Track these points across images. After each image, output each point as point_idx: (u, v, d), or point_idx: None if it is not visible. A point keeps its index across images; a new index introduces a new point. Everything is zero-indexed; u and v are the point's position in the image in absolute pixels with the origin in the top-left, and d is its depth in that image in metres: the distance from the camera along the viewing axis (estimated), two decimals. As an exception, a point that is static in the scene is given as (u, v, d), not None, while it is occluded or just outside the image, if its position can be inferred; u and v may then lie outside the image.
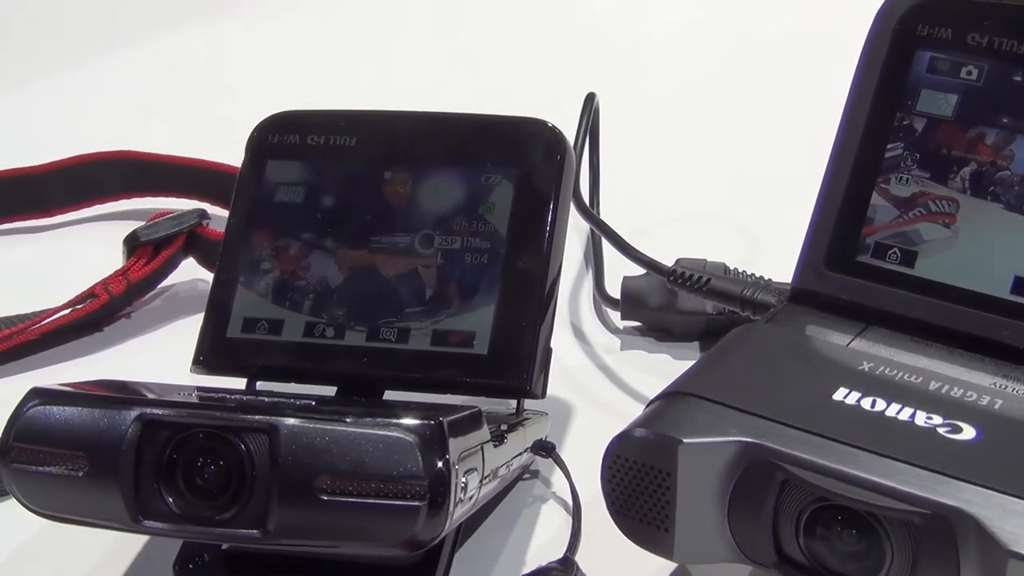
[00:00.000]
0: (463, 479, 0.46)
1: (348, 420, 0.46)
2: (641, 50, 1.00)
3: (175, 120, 0.91)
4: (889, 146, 0.54)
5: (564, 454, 0.57)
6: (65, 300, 0.68)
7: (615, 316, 0.68)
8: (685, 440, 0.46)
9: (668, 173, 0.81)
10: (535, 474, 0.58)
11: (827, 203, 0.55)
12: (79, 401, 0.48)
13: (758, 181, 0.79)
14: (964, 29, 0.53)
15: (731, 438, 0.46)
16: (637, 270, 0.66)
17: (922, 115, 0.54)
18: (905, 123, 0.54)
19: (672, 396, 0.48)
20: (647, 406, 0.48)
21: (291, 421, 0.46)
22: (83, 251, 0.77)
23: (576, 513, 0.55)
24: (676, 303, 0.65)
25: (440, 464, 0.45)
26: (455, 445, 0.46)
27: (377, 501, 0.44)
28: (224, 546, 0.53)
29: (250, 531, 0.46)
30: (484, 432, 0.49)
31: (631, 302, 0.66)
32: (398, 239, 0.58)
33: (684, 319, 0.65)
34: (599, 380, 0.65)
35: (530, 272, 0.56)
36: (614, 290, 0.68)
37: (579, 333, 0.68)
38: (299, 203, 0.59)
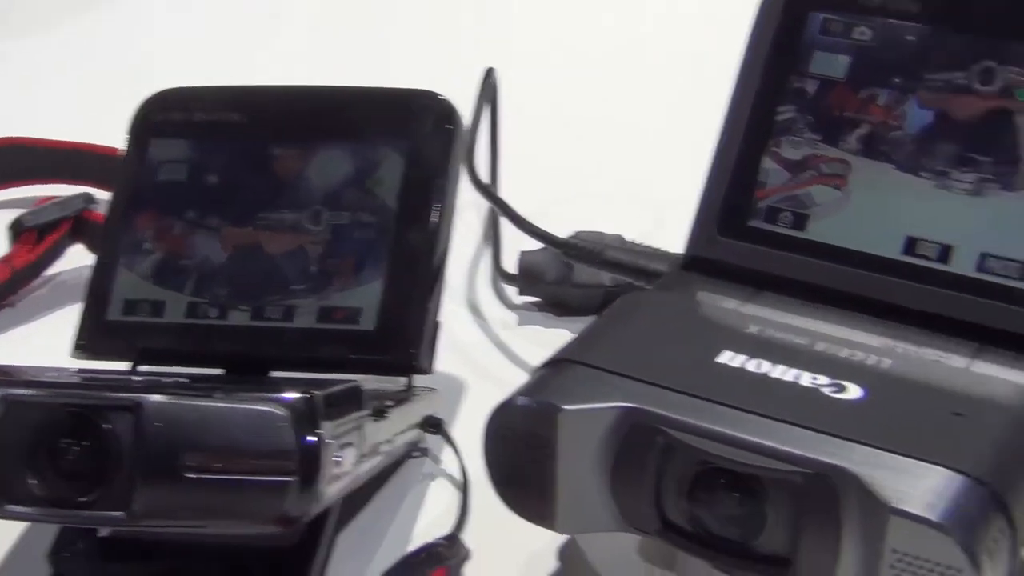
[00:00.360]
0: (337, 454, 0.45)
1: (217, 395, 0.44)
2: (539, 25, 0.99)
3: (60, 105, 0.88)
4: (781, 109, 0.53)
5: (457, 431, 0.56)
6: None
7: (513, 292, 0.67)
8: (565, 407, 0.44)
9: (570, 149, 0.80)
10: (424, 452, 0.57)
11: (719, 168, 0.54)
12: (-53, 385, 0.46)
13: (660, 155, 0.78)
14: (857, -11, 0.52)
15: (612, 403, 0.44)
16: (537, 246, 0.65)
17: (815, 77, 0.53)
18: (797, 85, 0.53)
19: (555, 364, 0.47)
20: (531, 374, 0.47)
21: (156, 397, 0.44)
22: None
23: (465, 489, 0.53)
24: (572, 276, 0.64)
25: (311, 438, 0.44)
26: (329, 419, 0.44)
27: (246, 477, 0.43)
28: (100, 533, 0.51)
29: (114, 513, 0.44)
30: (362, 407, 0.48)
31: (528, 277, 0.65)
32: (285, 216, 0.56)
33: (581, 292, 0.64)
34: (495, 356, 0.63)
35: (418, 246, 0.55)
36: (513, 267, 0.66)
37: (476, 310, 0.67)
38: (183, 182, 0.58)
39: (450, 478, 0.56)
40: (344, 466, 0.45)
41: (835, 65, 0.53)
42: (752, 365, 0.46)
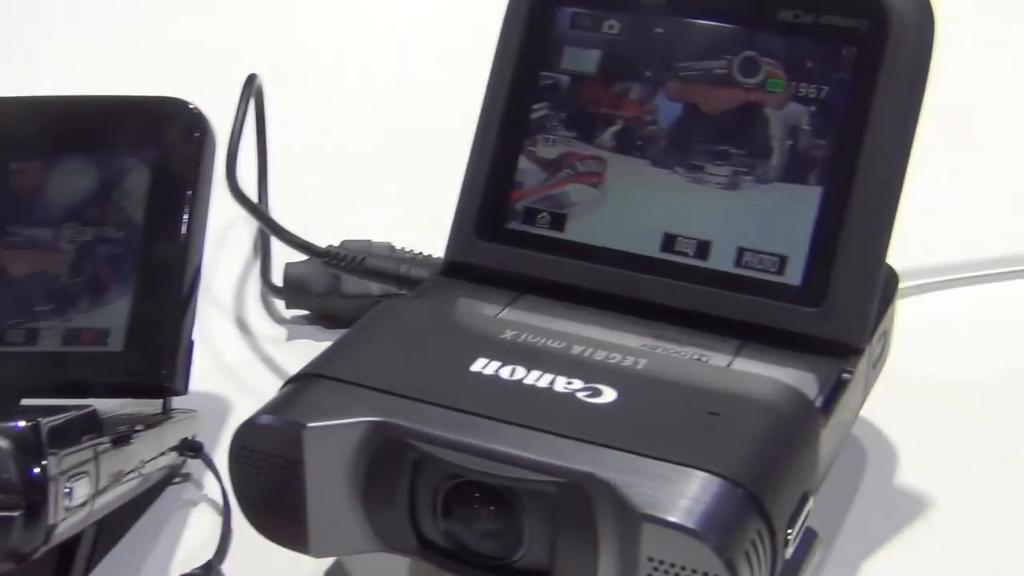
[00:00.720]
0: (68, 485, 0.42)
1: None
2: (305, 32, 0.97)
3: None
4: (535, 106, 0.52)
5: (220, 456, 0.53)
6: None
7: (282, 306, 0.65)
8: (309, 424, 0.43)
9: (342, 157, 0.78)
10: (186, 477, 0.54)
11: (475, 170, 0.52)
12: None
13: (433, 161, 0.76)
14: (604, -17, 0.51)
15: (358, 419, 0.43)
16: (302, 258, 0.63)
17: (567, 73, 0.52)
18: (550, 82, 0.52)
19: (302, 379, 0.45)
20: (278, 391, 0.45)
21: None
22: None
23: (227, 515, 0.51)
24: (341, 288, 0.62)
25: (36, 470, 0.41)
26: (57, 448, 0.42)
27: None
28: None
29: None
30: (100, 433, 0.45)
31: (294, 289, 0.63)
32: (27, 233, 0.54)
33: (350, 304, 0.62)
34: (263, 373, 0.61)
35: (167, 261, 0.52)
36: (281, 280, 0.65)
37: (243, 325, 0.65)
38: None
39: (213, 504, 0.53)
40: (77, 498, 0.43)
41: (586, 60, 0.52)
42: (506, 372, 0.45)
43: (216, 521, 0.52)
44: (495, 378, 0.44)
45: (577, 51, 0.52)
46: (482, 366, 0.45)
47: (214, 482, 0.53)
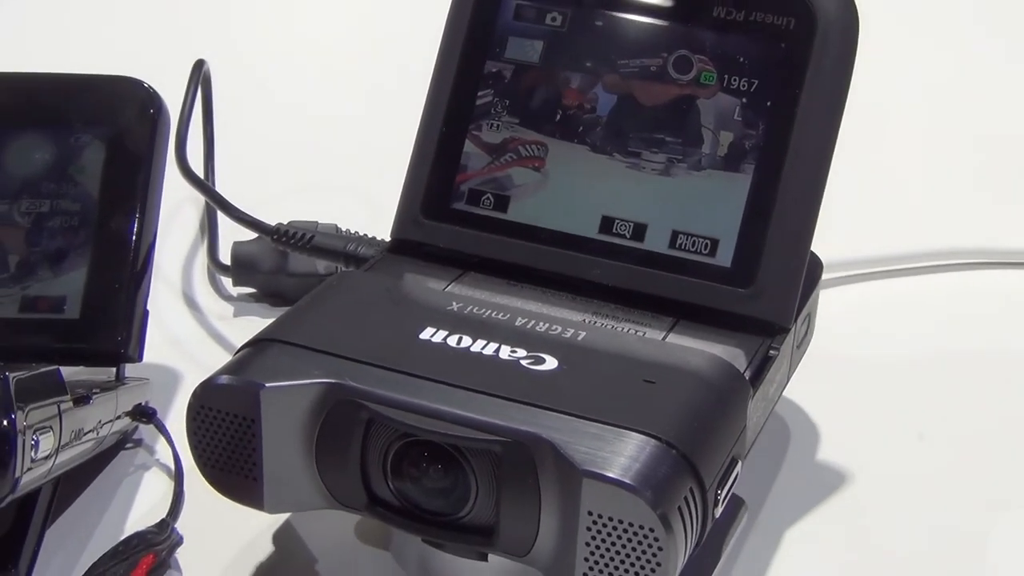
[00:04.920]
0: (33, 437, 0.44)
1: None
2: (251, 16, 0.98)
3: None
4: (480, 93, 0.54)
5: (171, 423, 0.55)
6: None
7: (228, 283, 0.67)
8: (267, 384, 0.45)
9: (287, 142, 0.80)
10: (138, 443, 0.56)
11: (421, 152, 0.55)
12: None
13: (376, 145, 0.78)
14: (547, -25, 0.54)
15: (313, 380, 0.45)
16: (251, 236, 0.65)
17: (510, 62, 0.54)
18: (494, 70, 0.54)
19: (257, 343, 0.47)
20: (233, 356, 0.47)
21: None
22: None
23: (179, 477, 0.53)
24: (287, 266, 0.64)
25: (3, 422, 0.43)
26: (25, 402, 0.44)
27: None
28: None
29: None
30: (62, 391, 0.47)
31: (241, 267, 0.65)
32: None
33: (296, 282, 0.64)
34: (210, 348, 0.63)
35: (123, 233, 0.54)
36: (228, 258, 0.66)
37: (191, 301, 0.66)
38: None
39: (165, 468, 0.55)
40: (41, 450, 0.45)
41: (529, 50, 0.54)
42: (453, 340, 0.47)
43: (167, 484, 0.54)
44: (443, 345, 0.47)
45: (521, 41, 0.54)
46: (430, 334, 0.47)
47: (164, 448, 0.55)
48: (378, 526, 0.51)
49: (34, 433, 0.44)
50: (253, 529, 0.51)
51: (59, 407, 0.46)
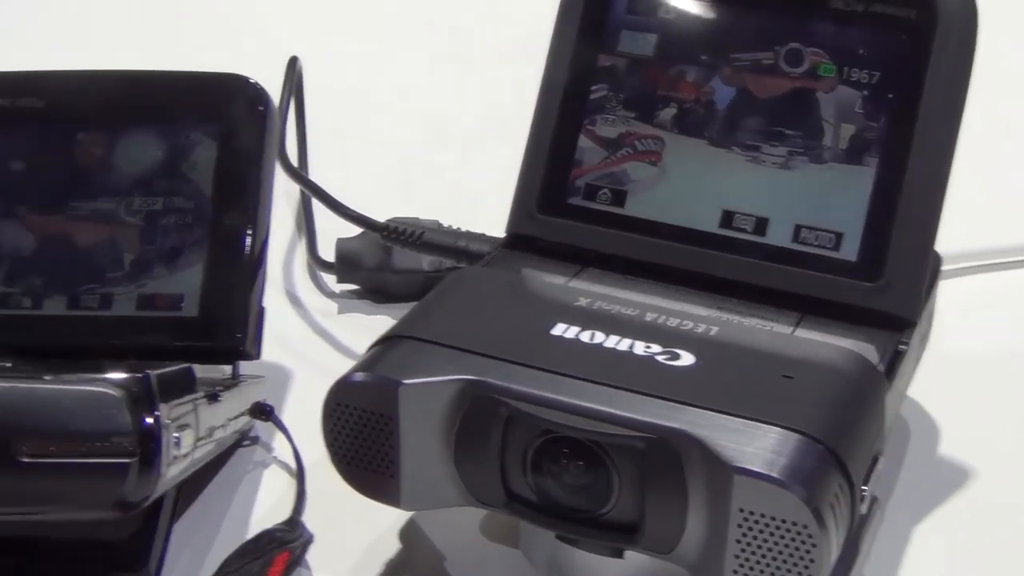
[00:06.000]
0: (175, 435, 0.44)
1: (46, 378, 0.43)
2: (344, 10, 0.98)
3: None
4: (594, 88, 0.54)
5: (285, 419, 0.55)
6: None
7: (330, 280, 0.67)
8: (405, 381, 0.45)
9: (379, 138, 0.79)
10: (255, 440, 0.56)
11: (535, 148, 0.54)
12: None
13: (470, 143, 0.78)
14: (661, -31, 0.54)
15: (452, 376, 0.45)
16: (352, 234, 0.65)
17: (624, 55, 0.54)
18: (608, 64, 0.54)
19: (389, 340, 0.47)
20: (365, 353, 0.47)
21: (-20, 380, 0.43)
22: None
23: (300, 474, 0.53)
24: (391, 263, 0.64)
25: (149, 419, 0.43)
26: (165, 399, 0.44)
27: (83, 460, 0.42)
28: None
29: None
30: (196, 388, 0.47)
31: (346, 264, 0.65)
32: (96, 203, 0.55)
33: (400, 278, 0.64)
34: (318, 345, 0.63)
35: (238, 230, 0.54)
36: (328, 255, 0.66)
37: (294, 299, 0.66)
38: None
39: (283, 465, 0.55)
40: (183, 447, 0.45)
41: (643, 43, 0.54)
42: (586, 336, 0.47)
43: (286, 481, 0.54)
44: (576, 341, 0.47)
45: (634, 35, 0.54)
46: (562, 330, 0.47)
47: (281, 444, 0.55)
48: (504, 523, 0.51)
49: (175, 430, 0.44)
50: (377, 526, 0.51)
51: (195, 404, 0.46)
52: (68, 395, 0.42)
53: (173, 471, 0.44)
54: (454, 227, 0.63)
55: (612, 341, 0.47)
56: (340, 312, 0.65)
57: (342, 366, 0.60)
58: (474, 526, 0.51)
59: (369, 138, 0.79)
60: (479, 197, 0.69)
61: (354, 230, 0.65)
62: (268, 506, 0.53)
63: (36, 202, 0.55)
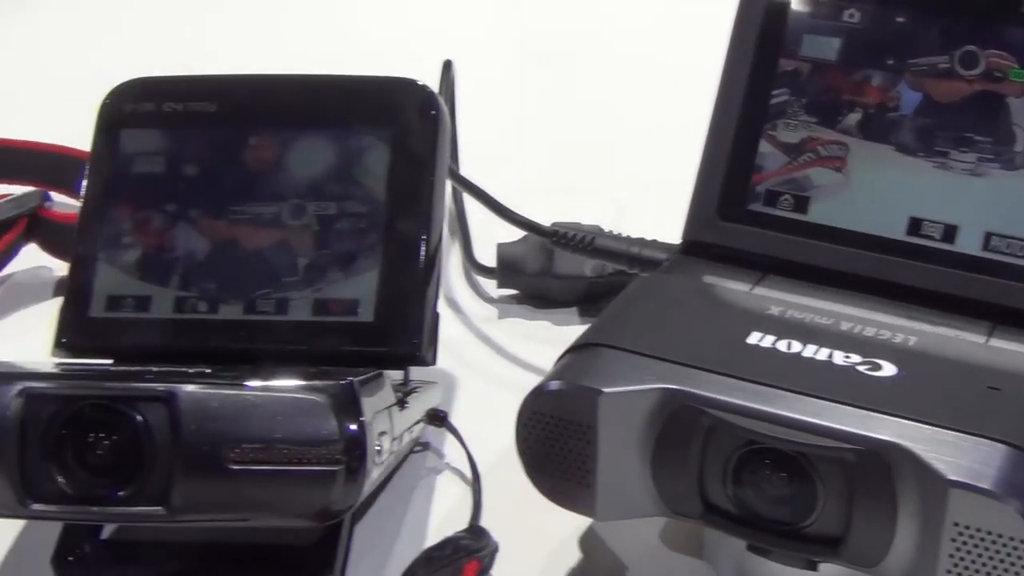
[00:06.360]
0: (377, 441, 0.44)
1: (251, 385, 0.43)
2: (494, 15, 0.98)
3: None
4: (774, 92, 0.53)
5: (457, 423, 0.55)
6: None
7: (487, 285, 0.66)
8: (605, 390, 0.44)
9: (525, 142, 0.79)
10: (425, 446, 0.56)
11: (714, 153, 0.54)
12: (-50, 379, 0.44)
13: (619, 147, 0.78)
14: (844, -29, 0.53)
15: (653, 385, 0.44)
16: (501, 238, 0.65)
17: (806, 60, 0.53)
18: (789, 69, 0.53)
19: (583, 348, 0.46)
20: (557, 361, 0.47)
21: (191, 388, 0.43)
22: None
23: (476, 481, 0.53)
24: (553, 268, 0.64)
25: (355, 426, 0.42)
26: (368, 405, 0.43)
27: (290, 468, 0.42)
28: (104, 535, 0.49)
29: (152, 508, 0.43)
30: (390, 394, 0.47)
31: (508, 269, 0.64)
32: (268, 207, 0.55)
33: (562, 283, 0.64)
34: (480, 350, 0.63)
35: (413, 235, 0.54)
36: (483, 259, 0.66)
37: (453, 304, 0.66)
38: (159, 173, 0.56)
39: (456, 471, 0.55)
40: (383, 454, 0.44)
41: (826, 48, 0.53)
42: (783, 345, 0.46)
43: (460, 487, 0.54)
44: (773, 351, 0.46)
45: (817, 39, 0.53)
46: (758, 339, 0.46)
47: (453, 450, 0.55)
48: (686, 532, 0.50)
49: (377, 436, 0.44)
50: (554, 535, 0.51)
51: (390, 411, 0.46)
52: (276, 402, 0.42)
53: (372, 478, 0.44)
54: (615, 231, 0.63)
55: (810, 351, 0.46)
56: (500, 317, 0.65)
57: (508, 372, 0.61)
58: (654, 535, 0.51)
59: (516, 142, 0.78)
60: (625, 203, 0.69)
61: (504, 235, 0.64)
62: (444, 512, 0.53)
63: (208, 206, 0.55)
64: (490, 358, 0.62)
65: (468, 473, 0.54)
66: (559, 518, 0.47)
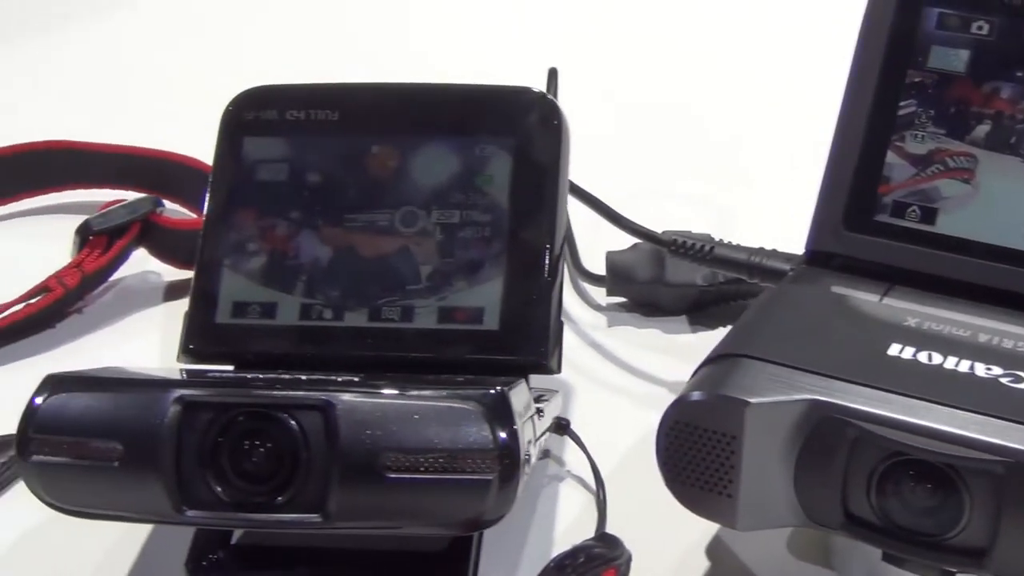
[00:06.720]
0: (526, 450, 0.44)
1: (404, 392, 0.43)
2: (599, 20, 0.98)
3: (106, 108, 0.86)
4: (902, 104, 0.53)
5: (577, 431, 0.55)
6: (13, 296, 0.64)
7: (595, 292, 0.66)
8: (752, 401, 0.44)
9: (627, 151, 0.79)
10: (546, 453, 0.56)
11: (840, 163, 0.54)
12: (107, 386, 0.44)
13: (721, 157, 0.78)
14: (974, -16, 0.53)
15: (799, 396, 0.44)
16: (609, 246, 0.65)
17: (934, 72, 0.53)
18: (917, 80, 0.53)
19: (723, 359, 0.47)
20: (694, 372, 0.47)
21: (346, 396, 0.43)
22: (19, 246, 0.72)
23: (601, 489, 0.53)
24: (664, 276, 0.64)
25: (507, 434, 0.43)
26: (517, 414, 0.44)
27: (445, 476, 0.42)
28: (235, 540, 0.50)
29: (309, 515, 0.43)
30: (531, 402, 0.47)
31: (618, 277, 0.65)
32: (390, 215, 0.55)
33: (673, 292, 0.64)
34: (592, 358, 0.63)
35: (537, 243, 0.54)
36: (593, 267, 0.66)
37: (563, 312, 0.66)
38: (283, 181, 0.56)
39: (577, 479, 0.55)
40: (531, 462, 0.45)
41: (954, 59, 0.53)
42: (923, 357, 0.46)
43: (582, 494, 0.54)
44: (915, 363, 0.46)
45: (945, 50, 0.53)
46: (898, 351, 0.46)
47: (575, 458, 0.55)
48: (812, 540, 0.50)
49: (526, 444, 0.44)
50: (680, 542, 0.51)
51: (532, 419, 0.46)
52: (430, 411, 0.43)
53: (520, 486, 0.44)
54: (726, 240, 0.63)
55: (951, 362, 0.46)
56: (610, 325, 0.65)
57: (622, 380, 0.61)
58: (779, 544, 0.51)
59: (617, 152, 0.79)
60: (725, 212, 0.69)
61: (608, 242, 0.64)
62: (568, 520, 0.53)
63: (331, 214, 0.55)
64: (603, 366, 0.62)
65: (589, 481, 0.54)
66: (682, 526, 0.47)
